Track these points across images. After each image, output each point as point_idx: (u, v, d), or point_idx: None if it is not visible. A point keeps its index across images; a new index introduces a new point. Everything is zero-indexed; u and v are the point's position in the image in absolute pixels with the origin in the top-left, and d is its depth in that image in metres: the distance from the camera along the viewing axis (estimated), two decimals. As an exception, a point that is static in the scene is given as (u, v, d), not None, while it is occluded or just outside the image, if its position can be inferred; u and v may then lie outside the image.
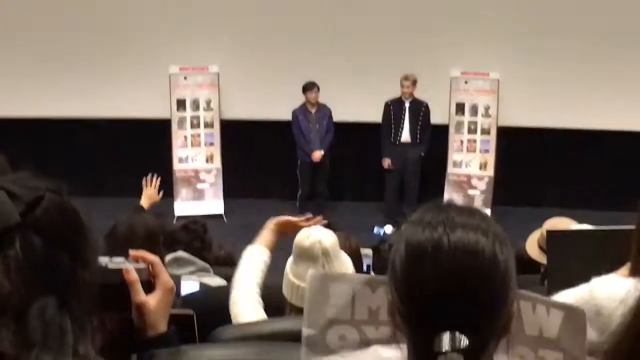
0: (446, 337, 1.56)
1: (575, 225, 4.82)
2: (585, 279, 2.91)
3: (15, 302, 1.46)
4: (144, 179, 6.72)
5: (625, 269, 2.93)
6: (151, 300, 1.89)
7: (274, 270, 4.09)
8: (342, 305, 1.94)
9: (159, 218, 5.69)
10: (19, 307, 1.46)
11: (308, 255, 3.33)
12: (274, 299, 3.42)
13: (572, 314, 1.98)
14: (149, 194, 6.61)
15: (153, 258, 1.94)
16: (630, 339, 1.57)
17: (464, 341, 1.55)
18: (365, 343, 1.92)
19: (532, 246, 5.33)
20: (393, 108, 12.34)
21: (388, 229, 12.09)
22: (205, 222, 5.98)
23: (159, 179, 6.78)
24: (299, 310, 3.11)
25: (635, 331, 1.58)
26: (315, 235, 3.39)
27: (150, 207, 6.48)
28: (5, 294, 1.45)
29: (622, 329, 1.62)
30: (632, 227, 2.93)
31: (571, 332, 1.95)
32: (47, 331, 1.48)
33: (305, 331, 1.95)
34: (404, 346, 1.69)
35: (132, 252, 1.93)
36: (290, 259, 3.45)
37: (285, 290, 3.35)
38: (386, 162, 12.36)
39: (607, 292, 2.81)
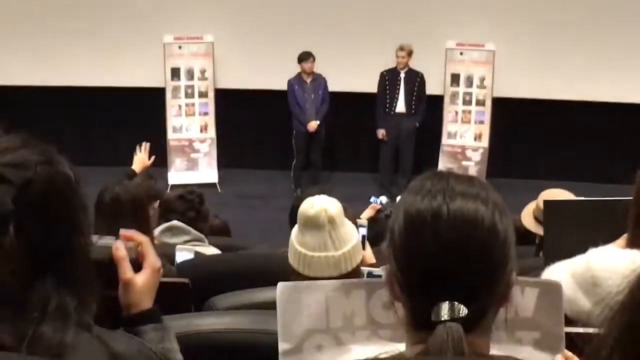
0: (445, 306, 1.55)
1: (571, 196, 4.82)
2: (582, 249, 2.90)
3: (14, 289, 1.47)
4: (138, 145, 6.78)
5: (622, 240, 2.91)
6: (138, 279, 1.89)
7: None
8: (316, 315, 1.92)
9: (149, 180, 5.69)
10: (18, 294, 1.48)
11: (314, 224, 3.31)
12: (281, 268, 3.40)
13: (548, 288, 1.97)
14: (140, 158, 6.68)
15: (142, 238, 1.94)
16: (633, 311, 1.55)
17: (462, 310, 1.55)
18: (343, 350, 1.90)
19: (528, 217, 5.33)
20: (388, 78, 12.31)
21: (383, 199, 12.08)
22: (202, 193, 5.98)
23: (149, 144, 6.85)
24: (305, 279, 3.10)
25: (637, 303, 1.57)
26: (320, 203, 3.38)
27: (141, 171, 6.53)
28: (3, 284, 1.46)
29: (626, 301, 1.61)
30: (630, 198, 2.92)
31: (547, 308, 1.94)
32: (46, 307, 1.49)
33: (282, 345, 1.93)
34: (389, 344, 1.70)
35: (122, 232, 1.93)
36: (295, 228, 3.43)
37: (292, 260, 3.34)
38: (380, 133, 12.34)
39: (604, 263, 2.80)
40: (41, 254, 1.50)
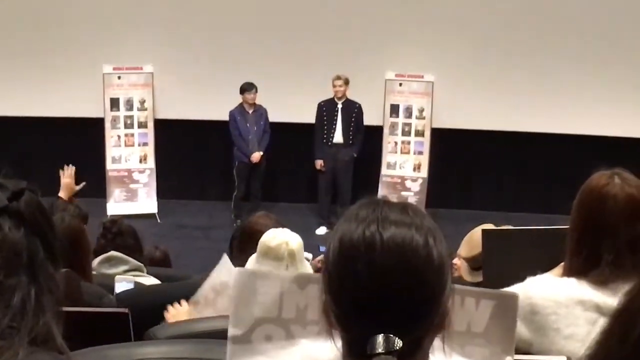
0: (380, 339, 1.54)
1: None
2: (520, 278, 2.92)
3: None
4: (60, 170, 6.53)
5: (558, 269, 2.95)
6: None
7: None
8: (269, 303, 1.92)
9: (77, 209, 5.64)
10: None
11: (273, 255, 3.32)
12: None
13: (503, 301, 1.96)
14: (66, 183, 6.42)
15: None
16: (615, 344, 1.57)
17: (397, 343, 1.54)
18: (292, 343, 1.89)
19: (464, 271, 5.03)
20: (326, 109, 12.34)
21: (322, 230, 12.10)
22: (127, 225, 5.94)
23: (73, 167, 6.58)
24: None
25: (620, 334, 1.58)
26: (282, 236, 3.38)
27: (69, 197, 6.34)
28: None
29: (605, 336, 1.62)
30: (566, 227, 2.96)
31: (500, 323, 1.93)
32: (9, 306, 1.60)
33: (232, 330, 1.92)
34: (338, 345, 1.67)
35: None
36: (253, 257, 3.42)
37: None
38: (318, 164, 12.35)
39: (543, 291, 2.82)
40: (21, 259, 1.63)
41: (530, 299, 2.80)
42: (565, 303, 2.77)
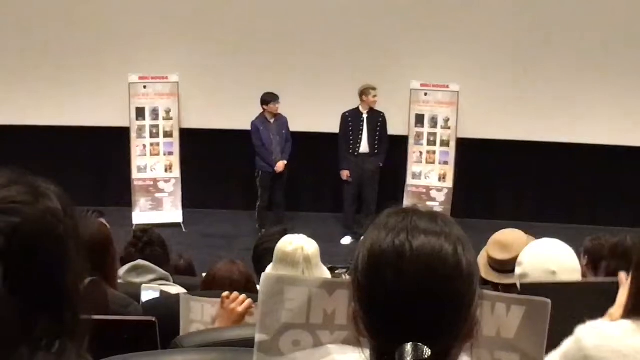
0: (409, 348, 1.54)
1: (523, 236, 4.72)
2: (564, 333, 2.64)
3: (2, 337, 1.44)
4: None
5: (613, 312, 2.67)
6: None
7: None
8: (297, 309, 1.90)
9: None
10: (8, 341, 1.44)
11: (289, 261, 3.32)
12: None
13: (534, 307, 1.94)
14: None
15: None
16: None
17: (426, 351, 1.54)
18: (319, 349, 1.88)
19: (485, 269, 4.99)
20: (351, 119, 12.34)
21: (347, 240, 12.09)
22: (157, 234, 5.94)
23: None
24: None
25: None
26: (298, 241, 3.39)
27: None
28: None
29: None
30: (607, 279, 2.77)
31: (530, 329, 1.92)
32: (36, 351, 1.46)
33: (259, 337, 1.91)
34: (366, 353, 1.66)
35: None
36: (271, 265, 3.42)
37: None
38: (344, 174, 12.33)
39: (596, 339, 2.55)
40: (34, 297, 1.47)
41: (583, 350, 2.54)
42: (625, 352, 2.48)
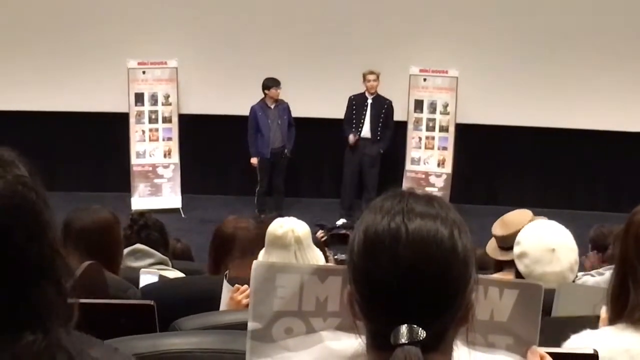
0: (404, 329, 1.54)
1: (531, 216, 4.72)
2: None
3: None
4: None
5: (602, 321, 2.64)
6: None
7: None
8: (289, 296, 1.88)
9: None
10: None
11: (280, 243, 3.32)
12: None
13: (527, 290, 1.93)
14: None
15: None
16: None
17: (421, 333, 1.54)
18: (312, 336, 1.87)
19: (493, 251, 4.98)
20: (355, 102, 12.34)
21: (340, 222, 12.08)
22: (150, 216, 5.94)
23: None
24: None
25: None
26: (289, 224, 3.39)
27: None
28: None
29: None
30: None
31: (524, 312, 1.91)
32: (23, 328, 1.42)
33: (251, 325, 1.89)
34: (359, 337, 1.67)
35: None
36: (263, 250, 3.43)
37: None
38: (350, 138, 12.28)
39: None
40: (14, 274, 1.40)
41: None
42: (609, 356, 2.42)
